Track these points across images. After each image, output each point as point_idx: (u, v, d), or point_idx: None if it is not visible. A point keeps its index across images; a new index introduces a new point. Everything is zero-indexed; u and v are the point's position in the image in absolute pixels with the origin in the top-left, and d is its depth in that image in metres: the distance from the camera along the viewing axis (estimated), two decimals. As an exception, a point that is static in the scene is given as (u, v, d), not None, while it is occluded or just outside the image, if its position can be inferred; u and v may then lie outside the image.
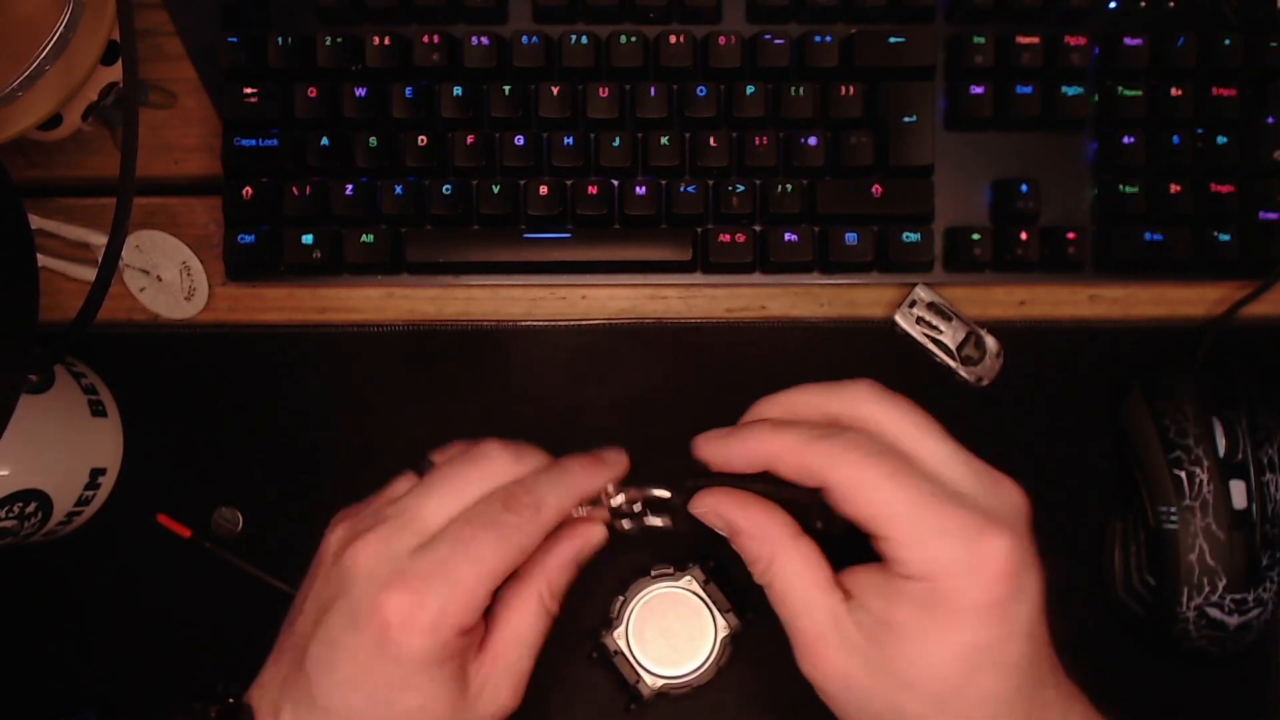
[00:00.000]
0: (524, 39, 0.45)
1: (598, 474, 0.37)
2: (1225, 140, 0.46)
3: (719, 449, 0.36)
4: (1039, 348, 0.48)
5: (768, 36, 0.45)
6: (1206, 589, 0.44)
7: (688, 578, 0.45)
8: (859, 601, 0.33)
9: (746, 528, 0.34)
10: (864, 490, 0.32)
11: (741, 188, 0.46)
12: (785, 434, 0.34)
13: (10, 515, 0.43)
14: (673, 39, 0.45)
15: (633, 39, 0.45)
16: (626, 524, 0.38)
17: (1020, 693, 0.32)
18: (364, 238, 0.46)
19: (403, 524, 0.35)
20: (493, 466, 0.37)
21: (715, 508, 0.35)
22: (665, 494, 0.37)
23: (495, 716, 0.36)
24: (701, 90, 0.45)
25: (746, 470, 0.35)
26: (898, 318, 0.47)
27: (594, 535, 0.38)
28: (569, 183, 0.46)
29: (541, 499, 0.36)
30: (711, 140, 0.45)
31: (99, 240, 0.47)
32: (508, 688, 0.36)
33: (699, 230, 0.46)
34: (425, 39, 0.45)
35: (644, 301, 0.48)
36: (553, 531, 0.36)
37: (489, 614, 0.36)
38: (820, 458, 0.33)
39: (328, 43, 0.45)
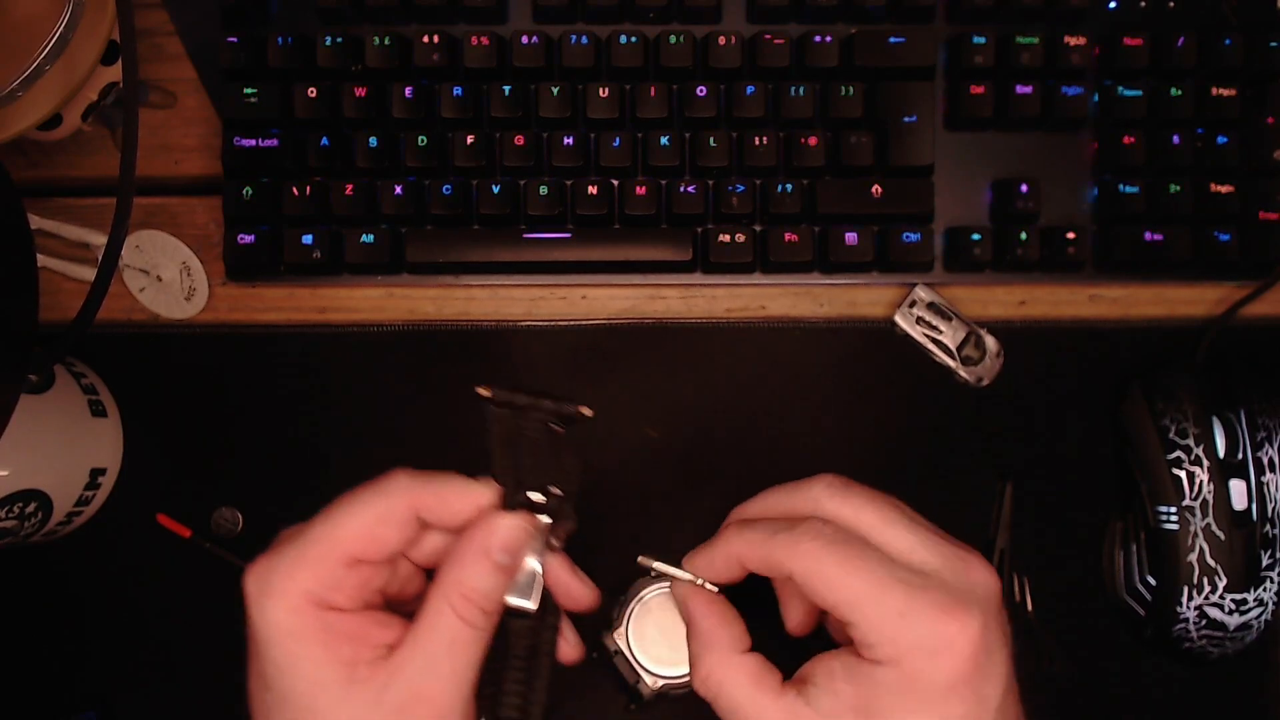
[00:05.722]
0: (524, 39, 0.45)
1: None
2: (1225, 140, 0.46)
3: (702, 563, 0.37)
4: (1039, 348, 0.48)
5: (768, 36, 0.45)
6: (1206, 589, 0.44)
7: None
8: (825, 687, 0.33)
9: (697, 629, 0.35)
10: (823, 577, 0.33)
11: (741, 188, 0.46)
12: (747, 533, 0.35)
13: (10, 515, 0.43)
14: (673, 39, 0.45)
15: (633, 39, 0.45)
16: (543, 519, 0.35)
17: None
18: (364, 238, 0.46)
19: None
20: None
21: (681, 597, 0.36)
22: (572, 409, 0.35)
23: None
24: (701, 90, 0.45)
25: (731, 580, 0.36)
26: (898, 318, 0.47)
27: (500, 523, 0.34)
28: (569, 183, 0.46)
29: (425, 475, 0.34)
30: (711, 140, 0.45)
31: (99, 240, 0.47)
32: (412, 705, 0.32)
33: (699, 230, 0.46)
34: (425, 39, 0.45)
35: (644, 301, 0.48)
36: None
37: None
38: (780, 550, 0.34)
39: (328, 43, 0.45)
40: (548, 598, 0.36)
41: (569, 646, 0.37)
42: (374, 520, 0.33)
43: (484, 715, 0.34)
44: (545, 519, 0.35)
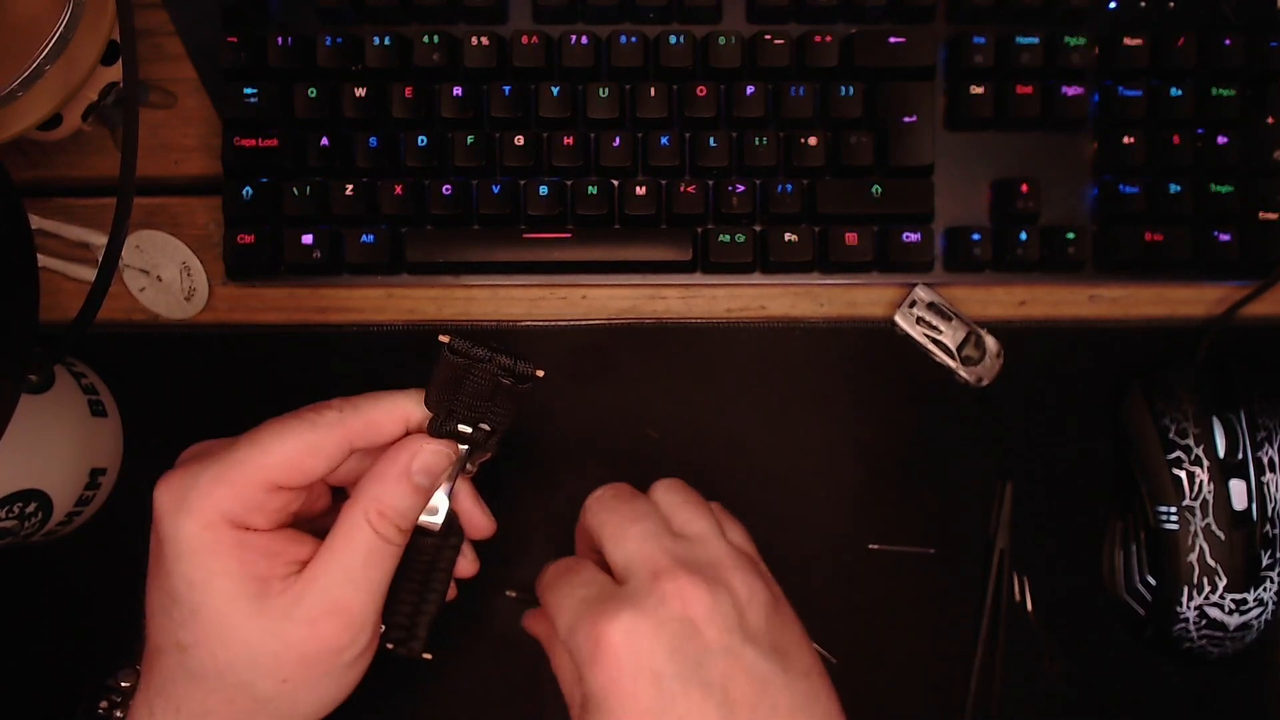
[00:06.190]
0: (524, 39, 0.45)
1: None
2: (1225, 140, 0.46)
3: None
4: (1039, 348, 0.48)
5: (768, 36, 0.45)
6: (1206, 589, 0.44)
7: None
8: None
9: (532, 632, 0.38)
10: (545, 604, 0.36)
11: (741, 188, 0.46)
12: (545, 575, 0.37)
13: (10, 515, 0.43)
14: (673, 39, 0.45)
15: (633, 39, 0.45)
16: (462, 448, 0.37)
17: None
18: (364, 238, 0.46)
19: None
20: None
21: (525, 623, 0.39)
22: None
23: (319, 648, 0.33)
24: (701, 90, 0.45)
25: None
26: (898, 318, 0.47)
27: (424, 447, 0.35)
28: (569, 183, 0.46)
29: (355, 403, 0.35)
30: (711, 140, 0.45)
31: (99, 240, 0.47)
32: (325, 617, 0.33)
33: (699, 230, 0.46)
34: (425, 39, 0.45)
35: (644, 301, 0.48)
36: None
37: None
38: (540, 587, 0.37)
39: (328, 43, 0.45)
40: (453, 519, 0.38)
41: (468, 563, 0.40)
42: (305, 451, 0.34)
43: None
44: (464, 447, 0.37)
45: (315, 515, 0.38)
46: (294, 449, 0.34)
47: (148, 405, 0.49)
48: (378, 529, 0.34)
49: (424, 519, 0.37)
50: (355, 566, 0.34)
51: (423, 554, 0.37)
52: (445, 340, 0.35)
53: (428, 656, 0.38)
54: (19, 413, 0.37)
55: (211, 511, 0.33)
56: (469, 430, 0.36)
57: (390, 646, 0.37)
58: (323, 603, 0.33)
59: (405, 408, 0.36)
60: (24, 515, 0.43)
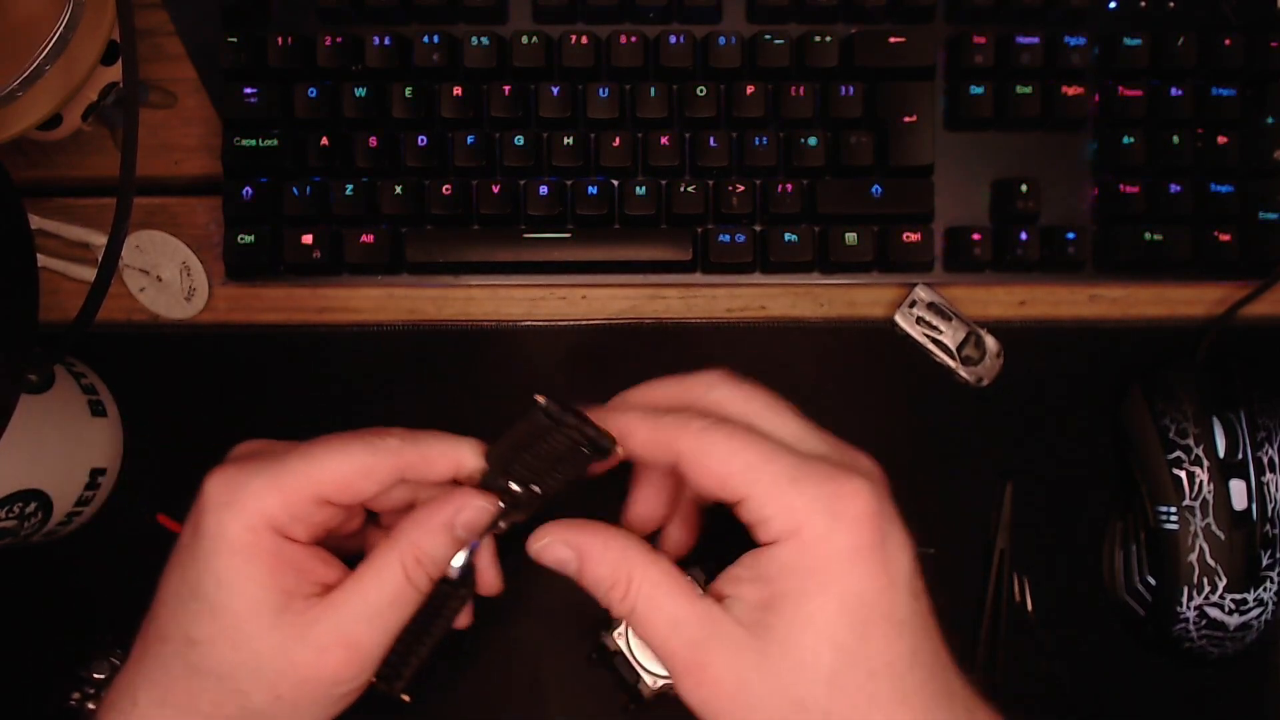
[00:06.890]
0: (524, 39, 0.45)
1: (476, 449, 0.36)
2: (1225, 140, 0.46)
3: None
4: (1039, 348, 0.48)
5: (768, 36, 0.45)
6: (1206, 589, 0.44)
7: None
8: (734, 597, 0.32)
9: (596, 551, 0.34)
10: (713, 454, 0.32)
11: (741, 188, 0.46)
12: (632, 413, 0.35)
13: (10, 515, 0.43)
14: (673, 39, 0.45)
15: (633, 39, 0.45)
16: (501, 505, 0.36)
17: (916, 658, 0.31)
18: (364, 238, 0.46)
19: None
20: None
21: (560, 535, 0.34)
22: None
23: (319, 675, 0.33)
24: (701, 90, 0.45)
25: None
26: (898, 318, 0.47)
27: (471, 502, 0.35)
28: (569, 183, 0.46)
29: (415, 436, 0.35)
30: (711, 140, 0.45)
31: (99, 240, 0.47)
32: (335, 647, 0.33)
33: (699, 230, 0.46)
34: (425, 39, 0.45)
35: (644, 301, 0.48)
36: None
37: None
38: (669, 428, 0.33)
39: (328, 43, 0.45)
40: (468, 572, 0.38)
41: (464, 616, 0.39)
42: (359, 472, 0.34)
43: None
44: (504, 506, 0.36)
45: (346, 535, 0.38)
46: (350, 468, 0.34)
47: (148, 405, 0.49)
48: (410, 574, 0.34)
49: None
50: (380, 605, 0.34)
51: (432, 599, 0.37)
52: (541, 401, 0.34)
53: (406, 698, 0.37)
54: (19, 413, 0.37)
55: (258, 514, 0.33)
56: (519, 490, 0.36)
57: (373, 681, 0.37)
58: (337, 633, 0.33)
59: (461, 453, 0.36)
60: (24, 515, 0.43)
